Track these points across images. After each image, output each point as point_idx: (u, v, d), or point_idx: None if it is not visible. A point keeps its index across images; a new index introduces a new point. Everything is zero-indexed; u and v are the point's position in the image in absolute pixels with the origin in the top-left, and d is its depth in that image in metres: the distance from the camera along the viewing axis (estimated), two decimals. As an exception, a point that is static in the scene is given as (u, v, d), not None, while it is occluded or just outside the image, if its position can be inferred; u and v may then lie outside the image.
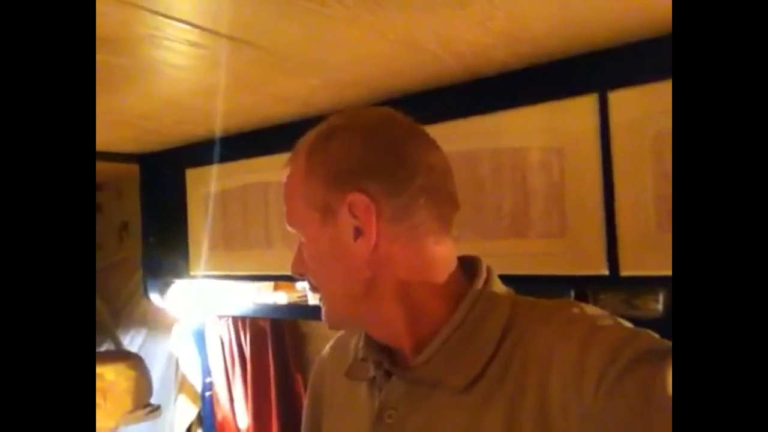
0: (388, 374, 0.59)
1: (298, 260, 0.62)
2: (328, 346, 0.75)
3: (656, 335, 0.49)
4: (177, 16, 0.69)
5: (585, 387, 0.46)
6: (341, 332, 0.73)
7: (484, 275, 0.58)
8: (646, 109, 0.84)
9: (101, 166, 1.68)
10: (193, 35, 0.75)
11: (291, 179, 0.60)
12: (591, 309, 0.55)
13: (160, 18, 0.69)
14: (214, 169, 1.46)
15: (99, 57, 0.82)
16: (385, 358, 0.59)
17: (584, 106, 0.89)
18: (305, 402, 0.75)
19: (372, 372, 0.60)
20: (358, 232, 0.55)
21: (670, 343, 0.46)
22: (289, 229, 0.62)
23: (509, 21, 0.75)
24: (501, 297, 0.57)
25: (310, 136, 0.60)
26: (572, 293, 1.02)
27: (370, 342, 0.61)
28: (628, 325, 0.51)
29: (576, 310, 0.54)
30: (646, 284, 0.89)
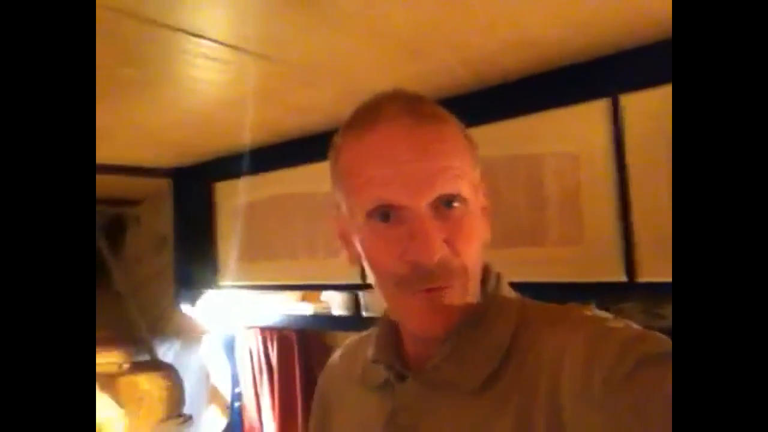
0: (401, 377, 0.58)
1: (463, 233, 0.51)
2: (336, 355, 0.74)
3: (668, 339, 0.47)
4: (207, 35, 0.75)
5: (595, 381, 0.45)
6: (350, 340, 0.73)
7: (493, 281, 0.58)
8: (658, 112, 0.82)
9: (139, 182, 1.77)
10: (221, 52, 0.81)
11: (449, 135, 0.53)
12: (602, 313, 0.53)
13: (193, 38, 0.75)
14: (242, 182, 1.50)
15: (133, 74, 0.88)
16: (398, 360, 0.59)
17: (596, 110, 0.89)
18: (313, 408, 0.74)
19: (384, 375, 0.60)
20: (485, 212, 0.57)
21: None
22: (442, 192, 0.49)
23: (515, 27, 0.77)
24: (510, 301, 0.57)
25: (426, 100, 0.56)
26: (593, 304, 1.01)
27: (384, 344, 0.61)
28: (640, 328, 0.50)
29: (587, 313, 0.53)
30: (664, 290, 0.87)
